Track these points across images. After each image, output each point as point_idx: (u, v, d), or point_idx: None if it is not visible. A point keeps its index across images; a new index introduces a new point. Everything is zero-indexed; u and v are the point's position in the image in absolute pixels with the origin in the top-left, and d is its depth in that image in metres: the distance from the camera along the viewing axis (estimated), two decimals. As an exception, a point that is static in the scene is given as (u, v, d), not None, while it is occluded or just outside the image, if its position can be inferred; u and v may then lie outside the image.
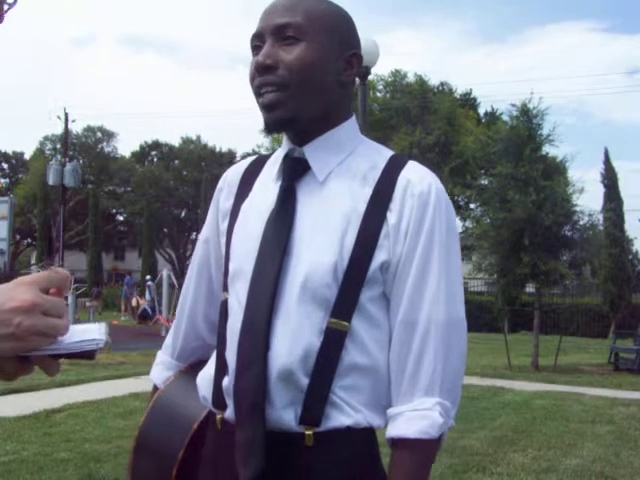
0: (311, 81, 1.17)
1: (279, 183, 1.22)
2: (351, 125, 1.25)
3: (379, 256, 1.15)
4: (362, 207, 1.16)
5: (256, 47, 1.20)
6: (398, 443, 1.13)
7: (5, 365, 0.79)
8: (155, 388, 1.42)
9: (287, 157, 1.23)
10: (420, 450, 1.13)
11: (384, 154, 1.24)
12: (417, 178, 1.18)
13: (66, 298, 0.83)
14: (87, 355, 0.81)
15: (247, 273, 1.18)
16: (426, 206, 1.16)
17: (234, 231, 1.25)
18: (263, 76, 1.17)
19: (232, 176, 1.35)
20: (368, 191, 1.18)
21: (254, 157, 1.38)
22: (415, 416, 1.12)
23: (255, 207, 1.24)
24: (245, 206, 1.26)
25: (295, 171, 1.21)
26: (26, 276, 0.81)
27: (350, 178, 1.19)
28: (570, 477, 4.85)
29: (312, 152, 1.21)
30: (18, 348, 0.77)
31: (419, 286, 1.15)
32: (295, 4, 1.19)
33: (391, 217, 1.16)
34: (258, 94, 1.19)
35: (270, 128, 1.21)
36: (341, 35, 1.20)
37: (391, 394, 1.17)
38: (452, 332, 1.16)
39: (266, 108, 1.18)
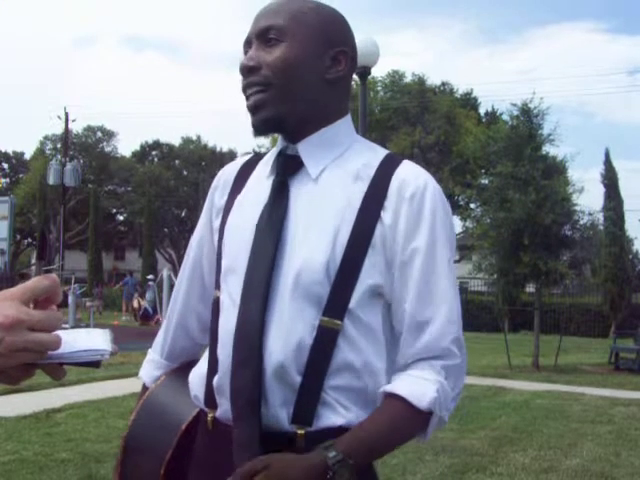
0: (294, 79, 1.18)
1: (272, 178, 1.22)
2: (345, 123, 1.25)
3: (373, 256, 1.15)
4: (356, 203, 1.16)
5: (246, 53, 1.22)
6: (386, 397, 1.13)
7: (10, 371, 0.78)
8: (144, 386, 1.42)
9: (280, 154, 1.24)
10: (401, 410, 1.10)
11: (379, 152, 1.24)
12: (412, 177, 1.18)
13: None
14: (92, 364, 0.80)
15: (239, 269, 1.18)
16: (422, 205, 1.16)
17: (226, 227, 1.25)
18: (247, 78, 1.19)
19: (227, 174, 1.35)
20: (362, 187, 1.18)
21: (249, 156, 1.38)
22: (410, 379, 1.13)
23: (247, 202, 1.24)
24: (237, 201, 1.26)
25: (288, 167, 1.21)
26: (8, 290, 0.77)
27: (344, 175, 1.19)
28: (570, 477, 4.85)
29: (305, 149, 1.21)
30: (3, 364, 0.75)
31: (426, 287, 1.15)
32: (279, 7, 1.21)
33: (386, 217, 1.16)
34: (245, 97, 1.21)
35: (257, 130, 1.21)
36: (325, 33, 1.21)
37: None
38: (461, 335, 1.17)
39: (251, 110, 1.19)
